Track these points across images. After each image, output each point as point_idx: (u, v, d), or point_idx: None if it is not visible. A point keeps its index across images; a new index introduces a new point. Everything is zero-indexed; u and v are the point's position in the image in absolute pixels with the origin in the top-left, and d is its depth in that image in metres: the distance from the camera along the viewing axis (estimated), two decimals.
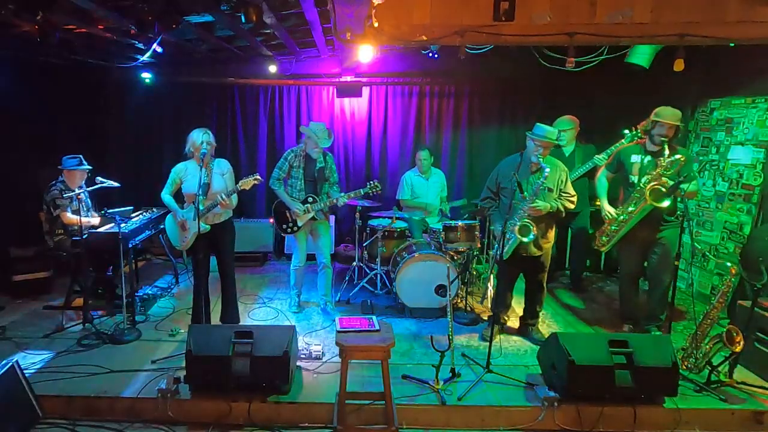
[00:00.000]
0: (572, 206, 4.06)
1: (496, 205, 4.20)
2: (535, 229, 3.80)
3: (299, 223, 4.57)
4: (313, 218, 4.60)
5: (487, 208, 4.27)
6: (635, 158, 4.13)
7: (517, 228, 3.80)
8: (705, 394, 3.44)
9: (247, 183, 4.04)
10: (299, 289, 4.91)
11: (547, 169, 3.79)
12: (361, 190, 4.57)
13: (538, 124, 3.95)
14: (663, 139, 3.89)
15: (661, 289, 4.17)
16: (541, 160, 3.85)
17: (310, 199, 4.54)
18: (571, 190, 4.07)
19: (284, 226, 4.64)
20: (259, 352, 3.26)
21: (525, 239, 3.81)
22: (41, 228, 4.67)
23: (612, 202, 4.33)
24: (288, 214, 4.59)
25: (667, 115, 3.92)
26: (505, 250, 3.85)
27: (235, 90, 6.62)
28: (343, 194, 4.57)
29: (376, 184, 4.56)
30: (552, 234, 4.13)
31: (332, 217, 4.91)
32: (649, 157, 4.05)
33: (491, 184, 4.21)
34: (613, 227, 4.18)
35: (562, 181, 4.02)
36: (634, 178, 4.10)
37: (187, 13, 3.91)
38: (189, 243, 4.18)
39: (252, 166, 6.60)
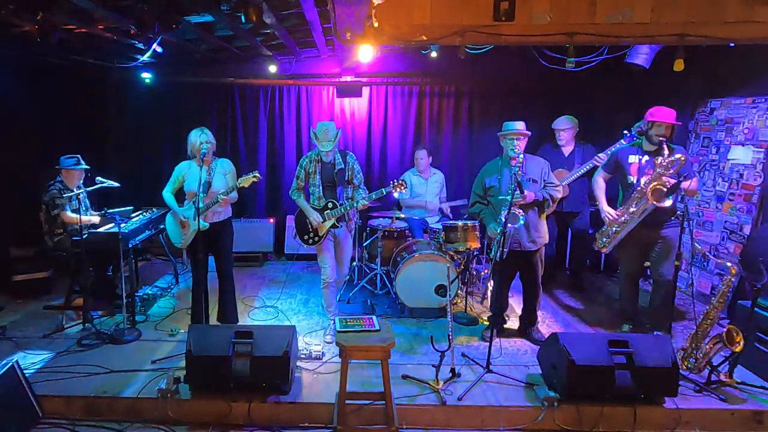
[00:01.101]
0: (559, 195, 4.10)
1: (487, 209, 4.22)
2: (521, 213, 3.82)
3: (320, 233, 4.21)
4: (335, 225, 4.20)
5: (478, 212, 4.29)
6: (633, 158, 4.14)
7: (505, 213, 3.78)
8: (705, 394, 3.44)
9: (247, 180, 4.02)
10: (334, 312, 4.38)
11: (521, 156, 3.89)
12: (383, 190, 4.12)
13: (504, 122, 4.07)
14: (661, 138, 3.90)
15: (664, 290, 4.15)
16: (517, 151, 3.90)
17: (330, 205, 4.17)
18: (555, 180, 4.13)
19: (305, 237, 4.26)
20: (259, 352, 3.26)
21: (516, 225, 3.83)
22: (41, 228, 4.67)
23: (610, 203, 4.33)
24: (308, 224, 4.22)
25: (664, 114, 3.94)
26: (500, 245, 3.84)
27: (235, 90, 6.61)
28: (365, 196, 4.18)
29: (400, 182, 4.20)
30: (545, 229, 4.14)
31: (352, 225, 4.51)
32: (646, 157, 4.06)
33: (478, 189, 4.25)
34: (614, 228, 4.17)
35: (545, 172, 4.08)
36: (632, 179, 4.10)
37: (187, 13, 3.92)
38: (188, 240, 4.18)
39: (252, 167, 6.56)
